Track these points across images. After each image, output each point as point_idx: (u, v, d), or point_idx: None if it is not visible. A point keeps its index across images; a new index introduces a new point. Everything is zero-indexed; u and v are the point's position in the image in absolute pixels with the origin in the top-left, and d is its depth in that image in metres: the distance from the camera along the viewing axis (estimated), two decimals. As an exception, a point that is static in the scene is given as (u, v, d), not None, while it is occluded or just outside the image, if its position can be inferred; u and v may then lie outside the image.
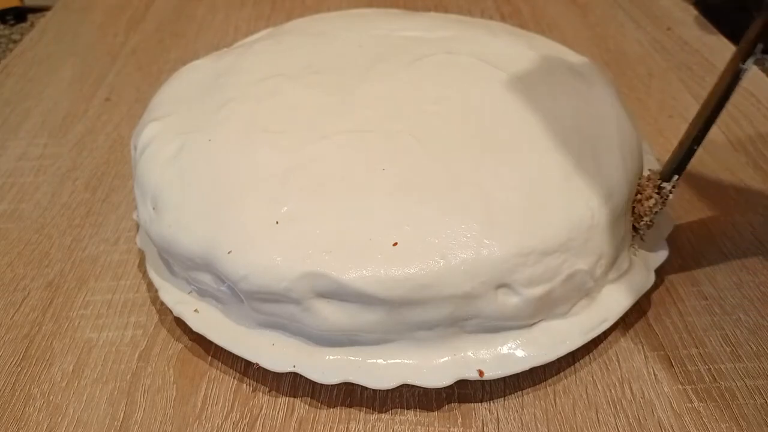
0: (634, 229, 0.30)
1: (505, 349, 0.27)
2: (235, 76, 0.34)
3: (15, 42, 0.58)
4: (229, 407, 0.27)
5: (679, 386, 0.28)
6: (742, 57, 0.24)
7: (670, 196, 0.28)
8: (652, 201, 0.29)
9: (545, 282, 0.26)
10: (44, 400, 0.28)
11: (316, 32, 0.38)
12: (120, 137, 0.44)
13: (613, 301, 0.29)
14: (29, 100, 0.48)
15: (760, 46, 0.23)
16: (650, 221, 0.29)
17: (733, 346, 0.29)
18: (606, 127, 0.31)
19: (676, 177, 0.28)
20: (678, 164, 0.28)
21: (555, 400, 0.27)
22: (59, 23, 0.59)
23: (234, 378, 0.29)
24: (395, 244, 0.25)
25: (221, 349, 0.28)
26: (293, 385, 0.28)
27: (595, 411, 0.27)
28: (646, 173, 0.30)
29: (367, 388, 0.27)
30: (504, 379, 0.27)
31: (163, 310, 0.32)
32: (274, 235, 0.26)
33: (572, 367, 0.29)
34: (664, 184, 0.28)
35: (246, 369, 0.29)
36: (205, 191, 0.28)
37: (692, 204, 0.37)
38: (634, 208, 0.30)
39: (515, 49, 0.35)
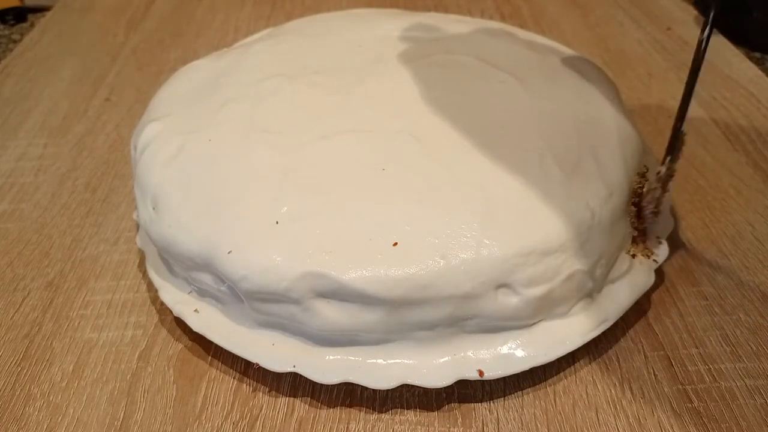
0: (639, 218, 0.30)
1: (505, 349, 0.27)
2: (235, 76, 0.34)
3: (15, 42, 0.58)
4: (229, 407, 0.27)
5: (679, 386, 0.28)
6: (702, 27, 0.26)
7: (670, 181, 0.28)
8: (652, 186, 0.29)
9: (545, 282, 0.26)
10: (44, 400, 0.28)
11: (316, 32, 0.38)
12: (120, 137, 0.44)
13: (613, 301, 0.29)
14: (29, 100, 0.48)
15: (712, 13, 0.26)
16: (655, 208, 0.29)
17: (733, 346, 0.29)
18: (606, 127, 0.31)
19: (668, 158, 0.28)
20: (668, 146, 0.28)
21: (555, 400, 0.27)
22: (59, 23, 0.59)
23: (234, 378, 0.29)
24: (395, 244, 0.25)
25: (221, 349, 0.28)
26: (293, 385, 0.28)
27: (595, 411, 0.27)
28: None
29: (367, 388, 0.27)
30: (504, 379, 0.27)
31: (163, 310, 0.32)
32: (274, 235, 0.26)
33: (572, 367, 0.29)
34: (659, 168, 0.28)
35: (246, 369, 0.29)
36: (205, 191, 0.28)
37: (692, 204, 0.37)
38: (638, 200, 0.30)
39: (515, 49, 0.35)
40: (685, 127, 0.28)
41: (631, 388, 0.28)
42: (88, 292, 0.33)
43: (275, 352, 0.27)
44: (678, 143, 0.28)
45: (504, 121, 0.30)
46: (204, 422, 0.27)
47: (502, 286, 0.26)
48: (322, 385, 0.27)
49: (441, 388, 0.27)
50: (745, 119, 0.44)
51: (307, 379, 0.28)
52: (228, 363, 0.29)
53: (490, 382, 0.28)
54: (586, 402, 0.27)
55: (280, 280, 0.25)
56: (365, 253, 0.25)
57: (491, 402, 0.27)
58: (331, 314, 0.26)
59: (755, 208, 0.37)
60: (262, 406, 0.28)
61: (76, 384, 0.29)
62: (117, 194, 0.39)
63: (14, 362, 0.30)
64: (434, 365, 0.26)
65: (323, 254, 0.25)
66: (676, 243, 0.34)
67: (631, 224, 0.30)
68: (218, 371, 0.29)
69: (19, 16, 0.62)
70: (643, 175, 0.30)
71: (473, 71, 0.33)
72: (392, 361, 0.27)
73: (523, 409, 0.27)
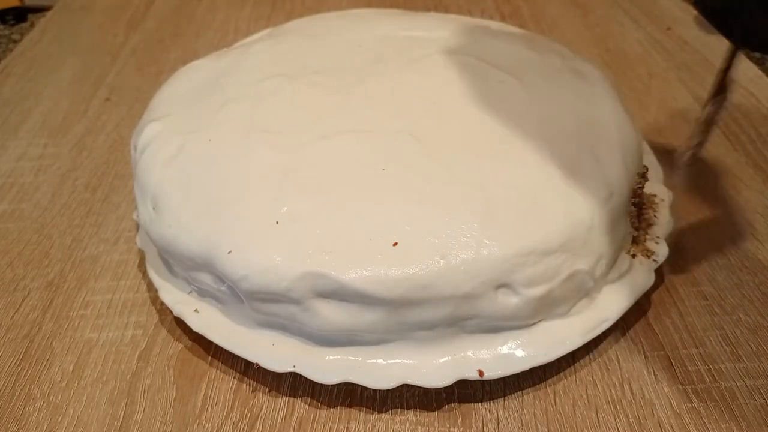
0: (639, 218, 0.30)
1: (505, 349, 0.27)
2: (235, 76, 0.34)
3: (15, 42, 0.58)
4: (229, 407, 0.27)
5: (679, 386, 0.28)
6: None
7: (713, 127, 0.27)
8: (695, 132, 0.27)
9: (545, 282, 0.26)
10: (44, 400, 0.28)
11: (316, 32, 0.38)
12: (120, 137, 0.44)
13: (613, 301, 0.29)
14: (29, 100, 0.48)
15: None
16: (693, 157, 0.27)
17: (733, 346, 0.29)
18: (606, 127, 0.31)
19: (715, 99, 0.26)
20: (715, 87, 0.26)
21: (555, 400, 0.27)
22: (59, 23, 0.59)
23: (234, 378, 0.29)
24: (395, 244, 0.25)
25: (221, 349, 0.28)
26: (293, 385, 0.28)
27: (595, 411, 0.27)
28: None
29: (367, 388, 0.27)
30: (504, 379, 0.27)
31: (163, 310, 0.32)
32: (274, 235, 0.26)
33: (572, 367, 0.29)
34: (704, 110, 0.26)
35: (246, 369, 0.29)
36: (205, 191, 0.28)
37: (692, 204, 0.37)
38: (638, 200, 0.30)
39: (515, 49, 0.35)
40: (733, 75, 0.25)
41: (631, 388, 0.28)
42: (88, 292, 0.33)
43: (275, 352, 0.27)
44: (726, 82, 0.25)
45: (504, 121, 0.30)
46: (204, 422, 0.27)
47: (502, 286, 0.26)
48: (322, 385, 0.27)
49: (441, 388, 0.27)
50: (745, 119, 0.44)
51: (307, 379, 0.28)
52: (228, 363, 0.29)
53: (490, 382, 0.28)
54: (586, 402, 0.27)
55: (280, 280, 0.25)
56: (365, 253, 0.25)
57: (491, 402, 0.27)
58: (331, 314, 0.26)
59: (755, 208, 0.37)
60: (262, 406, 0.28)
61: (76, 384, 0.29)
62: (117, 194, 0.39)
63: (14, 362, 0.30)
64: (434, 365, 0.26)
65: (323, 254, 0.25)
66: (676, 243, 0.34)
67: (631, 224, 0.30)
68: (218, 371, 0.29)
69: (19, 16, 0.62)
70: (643, 175, 0.30)
71: (473, 71, 0.33)
72: (392, 361, 0.27)
73: (523, 409, 0.27)
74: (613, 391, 0.28)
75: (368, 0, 0.60)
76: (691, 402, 0.27)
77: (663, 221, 0.32)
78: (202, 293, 0.29)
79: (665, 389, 0.28)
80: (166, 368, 0.29)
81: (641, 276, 0.30)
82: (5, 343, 0.31)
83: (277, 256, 0.26)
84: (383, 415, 0.27)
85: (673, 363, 0.29)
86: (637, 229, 0.31)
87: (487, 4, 0.60)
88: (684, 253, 0.34)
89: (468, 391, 0.28)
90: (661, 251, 0.31)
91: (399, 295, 0.25)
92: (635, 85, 0.48)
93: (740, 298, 0.32)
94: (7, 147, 0.43)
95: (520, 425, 0.27)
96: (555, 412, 0.27)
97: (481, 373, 0.26)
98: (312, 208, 0.27)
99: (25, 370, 0.29)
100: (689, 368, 0.29)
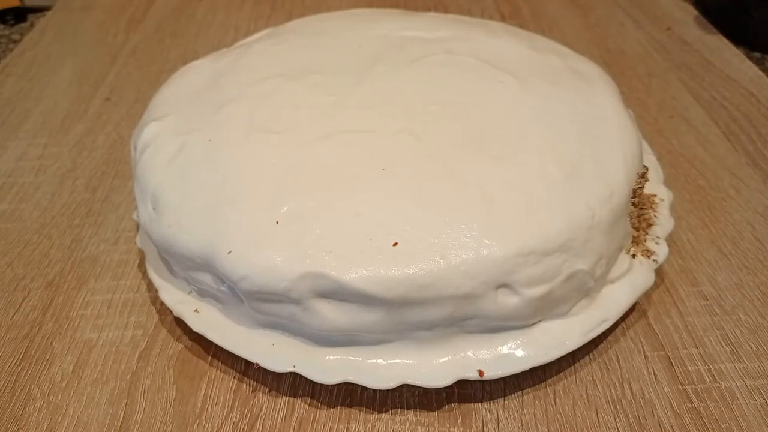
0: (639, 218, 0.30)
1: (505, 349, 0.27)
2: (235, 76, 0.34)
3: (15, 42, 0.58)
4: (229, 407, 0.27)
5: (679, 386, 0.28)
6: None
7: None
8: None
9: (545, 282, 0.26)
10: (44, 400, 0.28)
11: (316, 32, 0.38)
12: (120, 137, 0.44)
13: (613, 301, 0.29)
14: (29, 100, 0.48)
15: None
16: None
17: (733, 346, 0.29)
18: (606, 127, 0.31)
19: None
20: None
21: (555, 400, 0.27)
22: (59, 23, 0.59)
23: (234, 378, 0.29)
24: (395, 244, 0.25)
25: (221, 349, 0.28)
26: (293, 385, 0.28)
27: (595, 411, 0.27)
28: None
29: (367, 388, 0.27)
30: (504, 379, 0.27)
31: (163, 310, 0.32)
32: (274, 235, 0.26)
33: (572, 367, 0.29)
34: None
35: (246, 369, 0.29)
36: (205, 191, 0.28)
37: (692, 204, 0.37)
38: (637, 200, 0.30)
39: (515, 49, 0.35)
40: None
41: (631, 388, 0.28)
42: (88, 292, 0.33)
43: (275, 352, 0.27)
44: None
45: (504, 121, 0.30)
46: (204, 422, 0.27)
47: (502, 286, 0.26)
48: (322, 385, 0.28)
49: (441, 388, 0.27)
50: (745, 119, 0.44)
51: (307, 379, 0.28)
52: (228, 363, 0.29)
53: (490, 382, 0.28)
54: (586, 402, 0.27)
55: (280, 280, 0.25)
56: (365, 253, 0.25)
57: (491, 402, 0.27)
58: (331, 314, 0.26)
59: (755, 208, 0.37)
60: (262, 406, 0.28)
61: (76, 384, 0.29)
62: (117, 194, 0.39)
63: (14, 362, 0.30)
64: (434, 365, 0.26)
65: (323, 254, 0.25)
66: (676, 243, 0.34)
67: (631, 224, 0.30)
68: (218, 371, 0.29)
69: (19, 16, 0.62)
70: (643, 175, 0.30)
71: (473, 71, 0.33)
72: (392, 361, 0.27)
73: (523, 409, 0.27)
74: (613, 391, 0.28)
75: (368, 0, 0.60)
76: (691, 402, 0.27)
77: (663, 221, 0.32)
78: (202, 293, 0.29)
79: (665, 389, 0.28)
80: (166, 368, 0.29)
81: (641, 276, 0.30)
82: (5, 343, 0.31)
83: (277, 256, 0.26)
84: (383, 415, 0.27)
85: (673, 363, 0.29)
86: (637, 229, 0.31)
87: (487, 4, 0.60)
88: (684, 253, 0.34)
89: (468, 391, 0.28)
90: (661, 251, 0.31)
91: (399, 295, 0.25)
92: (635, 85, 0.48)
93: (740, 298, 0.32)
94: (7, 147, 0.43)
95: (520, 425, 0.27)
96: (555, 412, 0.27)
97: (481, 373, 0.26)
98: (312, 208, 0.27)
99: (25, 370, 0.29)
100: (689, 368, 0.29)
